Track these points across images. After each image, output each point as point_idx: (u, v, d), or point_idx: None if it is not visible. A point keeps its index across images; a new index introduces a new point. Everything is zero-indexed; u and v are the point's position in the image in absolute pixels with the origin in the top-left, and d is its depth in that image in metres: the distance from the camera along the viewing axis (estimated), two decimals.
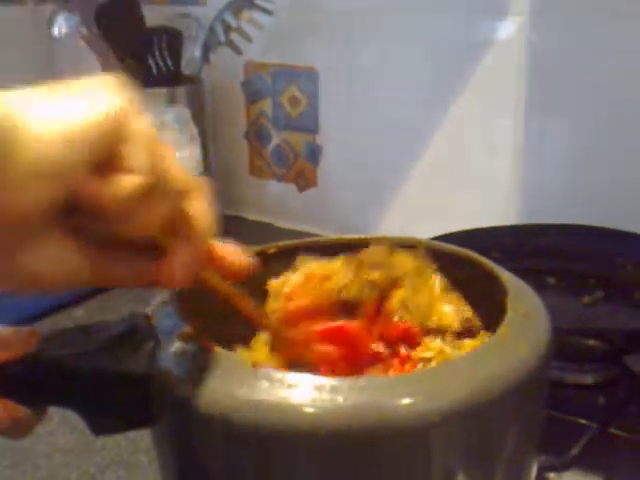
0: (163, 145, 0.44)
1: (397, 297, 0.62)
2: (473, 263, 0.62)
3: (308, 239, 0.69)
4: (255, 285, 0.62)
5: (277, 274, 0.63)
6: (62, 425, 0.79)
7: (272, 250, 0.65)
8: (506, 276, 0.58)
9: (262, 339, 0.60)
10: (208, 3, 1.37)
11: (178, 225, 0.45)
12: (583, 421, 0.74)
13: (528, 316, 0.53)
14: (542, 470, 0.69)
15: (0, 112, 0.39)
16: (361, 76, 1.25)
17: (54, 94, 0.43)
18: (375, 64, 1.23)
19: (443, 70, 1.17)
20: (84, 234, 0.42)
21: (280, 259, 0.64)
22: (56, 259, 0.42)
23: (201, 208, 0.47)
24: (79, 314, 1.08)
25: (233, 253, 0.51)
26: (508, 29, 1.09)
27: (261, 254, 0.63)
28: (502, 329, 0.51)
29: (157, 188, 0.42)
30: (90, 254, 0.43)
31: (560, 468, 0.70)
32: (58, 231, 0.42)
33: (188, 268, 0.46)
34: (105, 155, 0.41)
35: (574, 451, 0.71)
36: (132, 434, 0.76)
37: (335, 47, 1.27)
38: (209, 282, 0.50)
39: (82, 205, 0.41)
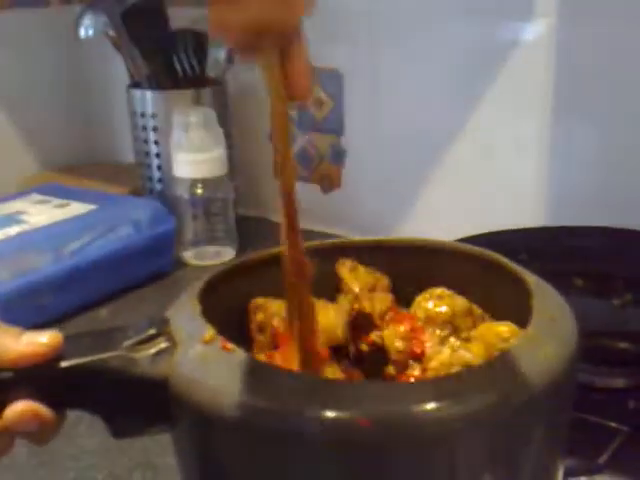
0: None
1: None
2: (498, 265, 0.61)
3: (340, 239, 0.68)
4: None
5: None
6: (90, 427, 0.79)
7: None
8: (532, 279, 0.57)
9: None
10: None
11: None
12: (614, 425, 0.74)
13: (554, 319, 0.52)
14: (573, 474, 0.69)
15: None
16: (386, 78, 1.25)
17: None
18: (400, 66, 1.23)
19: (469, 72, 1.16)
20: None
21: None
22: None
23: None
24: (103, 315, 1.08)
25: (305, 73, 0.50)
26: (536, 30, 1.08)
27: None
28: (527, 332, 0.50)
29: None
30: None
31: (591, 472, 0.69)
32: None
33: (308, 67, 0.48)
34: None
35: (605, 455, 0.70)
36: (159, 436, 0.76)
37: (360, 49, 1.26)
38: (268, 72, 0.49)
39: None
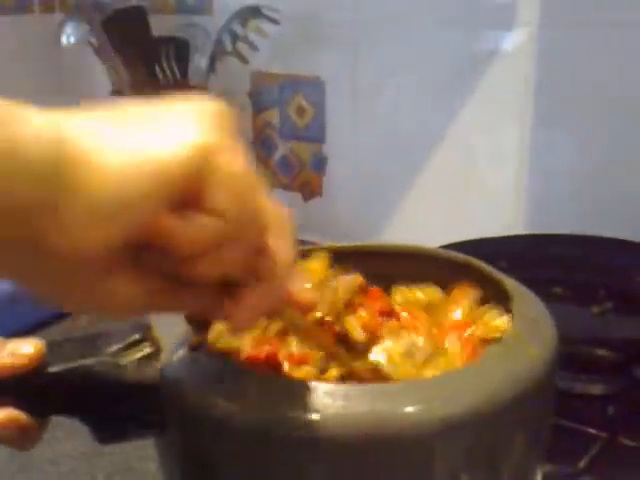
0: (253, 182, 0.42)
1: None
2: (476, 270, 0.61)
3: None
4: None
5: None
6: (70, 431, 0.79)
7: None
8: (510, 283, 0.58)
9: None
10: (215, 13, 1.37)
11: (257, 264, 0.43)
12: (592, 431, 0.74)
13: (536, 321, 0.53)
14: (552, 479, 0.69)
15: (70, 142, 0.36)
16: (368, 87, 1.26)
17: (130, 121, 0.39)
18: (382, 75, 1.24)
19: (450, 81, 1.17)
20: (153, 269, 0.41)
21: None
22: (123, 294, 0.40)
23: (284, 246, 0.44)
24: (84, 320, 1.08)
25: (301, 288, 0.49)
26: (515, 40, 1.09)
27: None
28: (510, 333, 0.51)
29: (238, 232, 0.40)
30: (157, 289, 0.42)
31: (570, 477, 0.69)
32: (127, 264, 0.40)
33: (259, 310, 0.45)
34: (185, 193, 0.38)
35: (583, 461, 0.71)
36: (140, 442, 0.76)
37: (341, 57, 1.27)
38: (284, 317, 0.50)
39: (154, 241, 0.39)
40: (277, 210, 0.44)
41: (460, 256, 0.64)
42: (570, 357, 0.76)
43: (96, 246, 0.37)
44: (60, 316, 1.07)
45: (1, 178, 0.34)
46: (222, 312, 0.44)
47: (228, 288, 0.44)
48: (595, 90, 1.05)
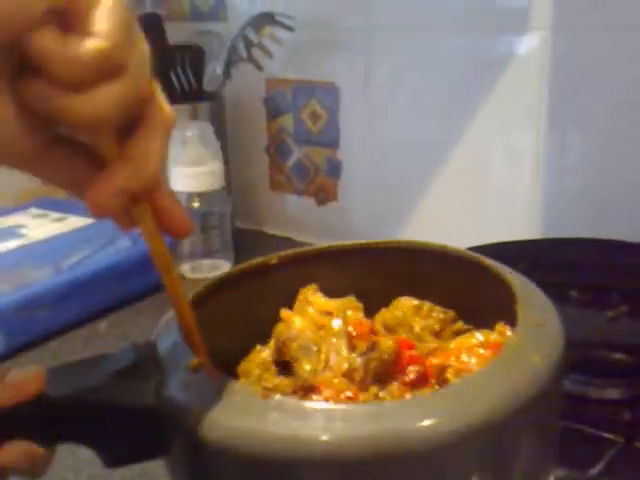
0: (137, 28, 0.41)
1: None
2: (483, 268, 0.61)
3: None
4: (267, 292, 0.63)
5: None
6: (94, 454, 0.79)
7: (274, 261, 0.65)
8: (517, 281, 0.57)
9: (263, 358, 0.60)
10: (229, 20, 1.38)
11: (140, 113, 0.42)
12: (608, 436, 0.74)
13: (540, 325, 0.51)
14: None
15: None
16: (381, 91, 1.26)
17: None
18: (395, 79, 1.24)
19: (463, 85, 1.17)
20: (28, 101, 0.38)
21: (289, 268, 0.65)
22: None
23: (163, 113, 0.44)
24: (101, 328, 1.08)
25: (177, 206, 0.48)
26: (529, 43, 1.09)
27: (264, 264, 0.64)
28: (512, 339, 0.50)
29: (119, 64, 0.39)
30: (28, 130, 0.39)
31: None
32: (3, 90, 0.38)
33: (122, 195, 0.43)
34: (67, 9, 0.36)
35: (599, 466, 0.71)
36: None
37: (355, 62, 1.27)
38: (142, 221, 0.47)
39: (30, 62, 0.37)
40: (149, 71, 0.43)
41: (467, 253, 0.64)
42: (585, 361, 0.76)
43: None
44: (79, 323, 1.08)
45: None
46: (87, 187, 0.43)
47: (99, 161, 0.43)
48: (609, 93, 1.05)
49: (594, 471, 0.70)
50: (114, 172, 0.42)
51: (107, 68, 0.38)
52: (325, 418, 0.44)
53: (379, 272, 0.67)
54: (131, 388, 0.48)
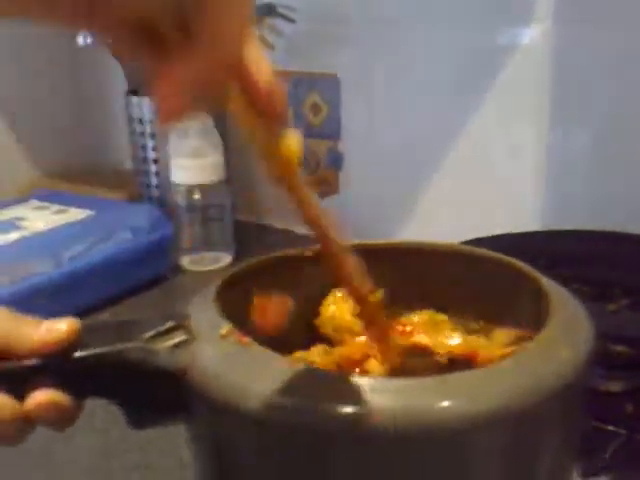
0: None
1: None
2: (514, 269, 0.61)
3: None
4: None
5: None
6: (88, 428, 0.79)
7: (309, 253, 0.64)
8: (548, 283, 0.58)
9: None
10: None
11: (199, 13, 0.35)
12: (611, 428, 0.74)
13: (570, 321, 0.52)
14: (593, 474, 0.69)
15: None
16: (383, 83, 1.26)
17: None
18: (397, 71, 1.24)
19: (466, 77, 1.17)
20: None
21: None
22: None
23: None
24: (104, 318, 1.08)
25: (270, 78, 0.41)
26: (531, 35, 1.09)
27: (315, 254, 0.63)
28: (545, 333, 0.50)
29: None
30: None
31: (588, 475, 0.69)
32: None
33: (192, 80, 0.36)
34: None
35: (602, 458, 0.71)
36: (157, 438, 0.77)
37: (356, 54, 1.27)
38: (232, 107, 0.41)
39: None
40: None
41: (494, 254, 0.63)
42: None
43: None
44: (79, 315, 1.07)
45: None
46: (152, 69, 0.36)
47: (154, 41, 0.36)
48: (612, 85, 1.05)
49: (597, 464, 0.70)
50: (182, 59, 0.36)
51: None
52: (351, 390, 0.44)
53: (399, 273, 0.67)
54: (163, 351, 0.49)
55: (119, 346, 0.49)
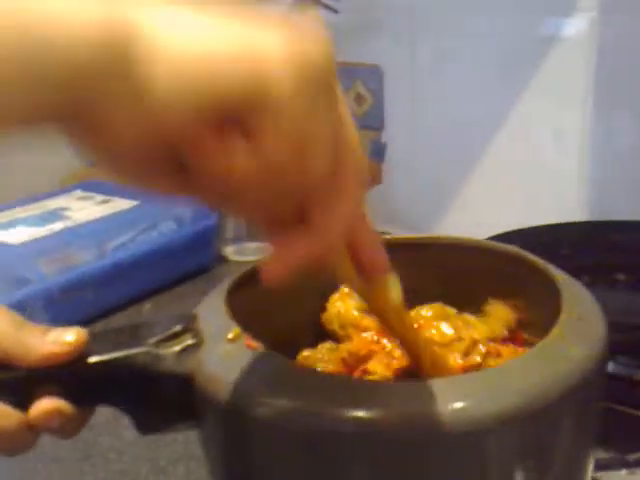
0: (328, 134, 0.37)
1: None
2: (526, 263, 0.60)
3: None
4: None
5: None
6: (128, 420, 0.80)
7: None
8: (561, 277, 0.57)
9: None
10: (273, 1, 1.37)
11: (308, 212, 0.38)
12: None
13: (582, 319, 0.52)
14: (612, 467, 0.69)
15: (136, 22, 0.33)
16: (426, 73, 1.25)
17: (212, 14, 0.35)
18: (440, 61, 1.23)
19: (510, 67, 1.16)
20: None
21: None
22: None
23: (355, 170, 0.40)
24: (146, 310, 1.09)
25: (374, 244, 0.44)
26: (577, 25, 1.08)
27: None
28: (555, 331, 0.50)
29: (279, 181, 0.36)
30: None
31: (633, 465, 0.69)
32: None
33: (303, 257, 0.40)
34: (238, 113, 0.34)
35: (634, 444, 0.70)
36: None
37: (400, 44, 1.26)
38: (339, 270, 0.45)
39: (187, 155, 0.36)
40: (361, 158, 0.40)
41: (511, 248, 0.63)
42: (631, 344, 0.75)
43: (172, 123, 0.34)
44: (123, 305, 1.08)
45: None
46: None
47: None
48: None
49: (638, 454, 0.70)
50: (293, 241, 0.39)
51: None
52: (361, 393, 0.44)
53: (423, 269, 0.66)
54: (170, 356, 0.49)
55: (125, 352, 0.49)
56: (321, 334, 0.64)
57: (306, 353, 0.59)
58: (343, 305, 0.63)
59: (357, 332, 0.61)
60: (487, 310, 0.62)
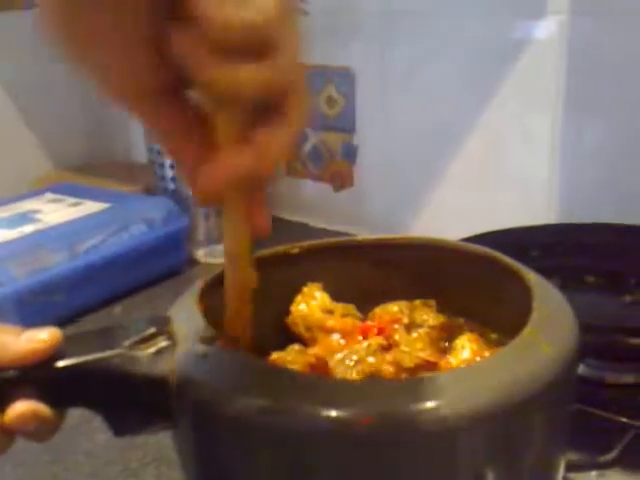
0: (294, 21, 0.40)
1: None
2: (497, 263, 0.61)
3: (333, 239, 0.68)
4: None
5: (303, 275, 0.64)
6: (103, 422, 0.79)
7: (296, 250, 0.65)
8: (532, 277, 0.57)
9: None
10: None
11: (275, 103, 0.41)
12: (624, 420, 0.74)
13: (553, 317, 0.52)
14: (584, 469, 0.69)
15: None
16: (398, 76, 1.25)
17: None
18: (412, 64, 1.23)
19: (481, 69, 1.16)
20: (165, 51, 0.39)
21: (306, 259, 0.65)
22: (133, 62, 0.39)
23: (300, 110, 0.43)
24: (117, 312, 1.09)
25: (266, 207, 0.48)
26: (547, 28, 1.08)
27: (286, 254, 0.64)
28: (527, 330, 0.50)
29: (266, 42, 0.39)
30: (157, 69, 0.40)
31: (602, 467, 0.69)
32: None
33: (234, 182, 0.42)
34: None
35: (616, 450, 0.70)
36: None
37: (371, 47, 1.27)
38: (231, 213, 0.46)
39: (185, 11, 0.37)
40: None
41: (481, 249, 0.63)
42: (602, 346, 0.76)
43: None
44: (94, 307, 1.08)
45: None
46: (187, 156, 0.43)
47: (210, 139, 0.42)
48: (626, 76, 1.04)
49: (609, 456, 0.70)
50: (234, 155, 0.42)
51: (255, 41, 0.38)
52: (334, 392, 0.44)
53: (397, 269, 0.67)
54: (145, 358, 0.49)
55: (100, 354, 0.49)
56: (289, 336, 0.64)
57: (275, 355, 0.59)
58: (307, 307, 0.63)
59: (323, 334, 0.62)
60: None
